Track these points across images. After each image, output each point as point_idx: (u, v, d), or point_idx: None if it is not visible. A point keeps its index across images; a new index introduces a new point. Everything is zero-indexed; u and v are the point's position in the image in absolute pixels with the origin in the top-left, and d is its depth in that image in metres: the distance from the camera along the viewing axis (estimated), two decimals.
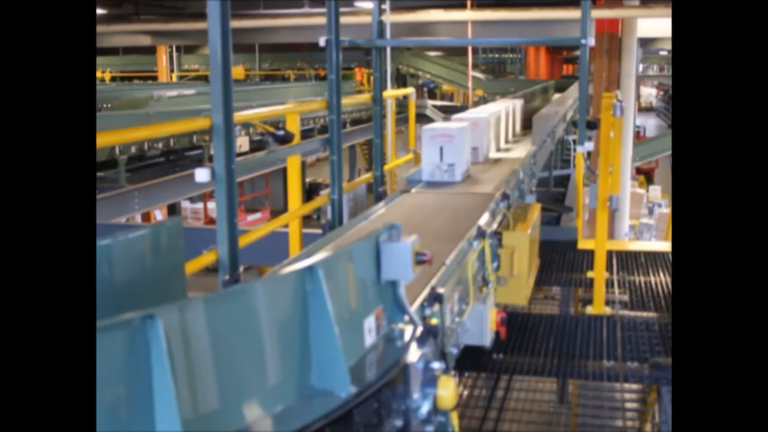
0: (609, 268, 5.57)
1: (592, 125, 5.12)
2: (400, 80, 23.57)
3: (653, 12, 13.15)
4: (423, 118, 15.09)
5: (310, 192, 19.43)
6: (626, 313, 4.89)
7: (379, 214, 3.84)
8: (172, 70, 24.55)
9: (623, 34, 13.37)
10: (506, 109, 6.67)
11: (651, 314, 4.73)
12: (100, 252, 1.87)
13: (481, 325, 2.83)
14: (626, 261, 5.83)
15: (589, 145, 5.18)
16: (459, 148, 4.67)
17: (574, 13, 12.81)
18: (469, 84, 18.45)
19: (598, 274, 5.00)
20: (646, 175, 23.69)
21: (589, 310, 4.99)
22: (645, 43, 22.92)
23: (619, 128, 5.20)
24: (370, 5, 5.97)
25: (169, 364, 1.23)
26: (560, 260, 5.85)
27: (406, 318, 2.00)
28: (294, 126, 4.53)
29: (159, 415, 1.24)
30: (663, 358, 3.80)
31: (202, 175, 3.05)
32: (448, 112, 14.54)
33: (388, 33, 5.97)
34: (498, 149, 6.13)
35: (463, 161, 4.73)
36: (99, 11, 17.99)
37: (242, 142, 9.90)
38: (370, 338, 1.83)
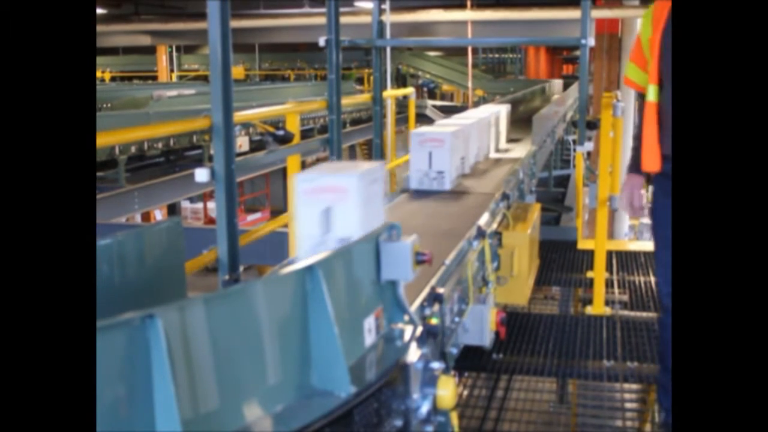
0: (609, 268, 5.57)
1: (592, 125, 5.12)
2: (400, 80, 23.58)
3: None
4: (423, 118, 15.09)
5: None
6: (626, 313, 4.89)
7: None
8: (172, 70, 24.57)
9: (623, 34, 13.39)
10: (486, 118, 5.59)
11: (651, 314, 4.73)
12: (100, 252, 1.87)
13: (480, 325, 2.83)
14: (626, 261, 5.83)
15: (589, 145, 5.19)
16: (350, 210, 2.48)
17: (574, 13, 12.82)
18: (469, 84, 18.46)
19: (598, 274, 5.00)
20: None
21: (589, 310, 4.99)
22: None
23: (619, 128, 5.20)
24: (370, 5, 5.97)
25: (169, 364, 1.23)
26: (560, 260, 5.85)
27: (406, 318, 2.00)
28: (294, 126, 4.53)
29: (159, 415, 1.24)
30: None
31: (202, 175, 3.05)
32: (448, 111, 14.53)
33: (388, 33, 5.96)
34: (472, 170, 4.91)
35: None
36: (99, 11, 17.99)
37: (242, 142, 9.91)
38: (369, 338, 1.83)
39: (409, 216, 3.65)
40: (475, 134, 5.06)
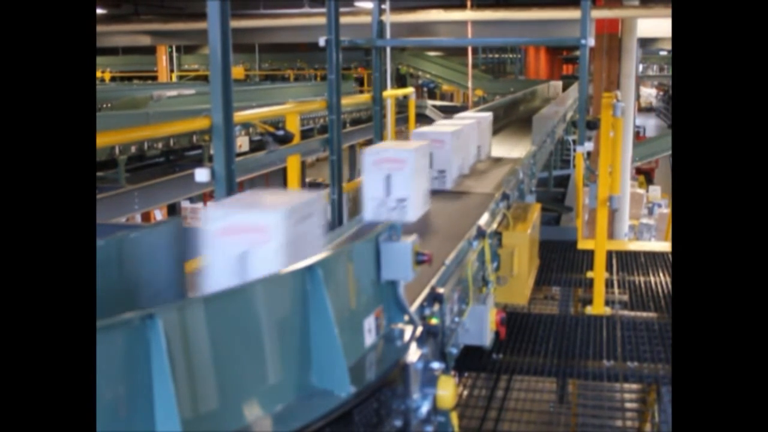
0: (609, 268, 5.57)
1: (592, 125, 5.12)
2: (400, 80, 23.57)
3: (653, 12, 13.15)
4: (423, 118, 15.09)
5: None
6: (626, 313, 4.89)
7: None
8: (171, 70, 24.56)
9: (623, 34, 13.38)
10: (462, 132, 4.44)
11: (651, 314, 4.73)
12: (100, 252, 1.87)
13: (480, 325, 2.83)
14: (626, 261, 5.83)
15: (589, 145, 5.19)
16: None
17: (574, 13, 12.80)
18: (469, 84, 18.46)
19: (598, 274, 5.00)
20: (646, 175, 23.70)
21: (589, 310, 4.99)
22: (645, 43, 22.92)
23: (619, 128, 5.20)
24: (370, 5, 5.98)
25: (169, 364, 1.23)
26: (560, 260, 5.85)
27: (406, 318, 2.00)
28: (294, 126, 4.53)
29: (159, 415, 1.24)
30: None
31: (202, 175, 3.05)
32: (448, 111, 14.54)
33: (388, 33, 5.96)
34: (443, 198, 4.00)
35: None
36: (99, 11, 17.99)
37: (242, 142, 9.89)
38: (369, 338, 1.83)
39: None
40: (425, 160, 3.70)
